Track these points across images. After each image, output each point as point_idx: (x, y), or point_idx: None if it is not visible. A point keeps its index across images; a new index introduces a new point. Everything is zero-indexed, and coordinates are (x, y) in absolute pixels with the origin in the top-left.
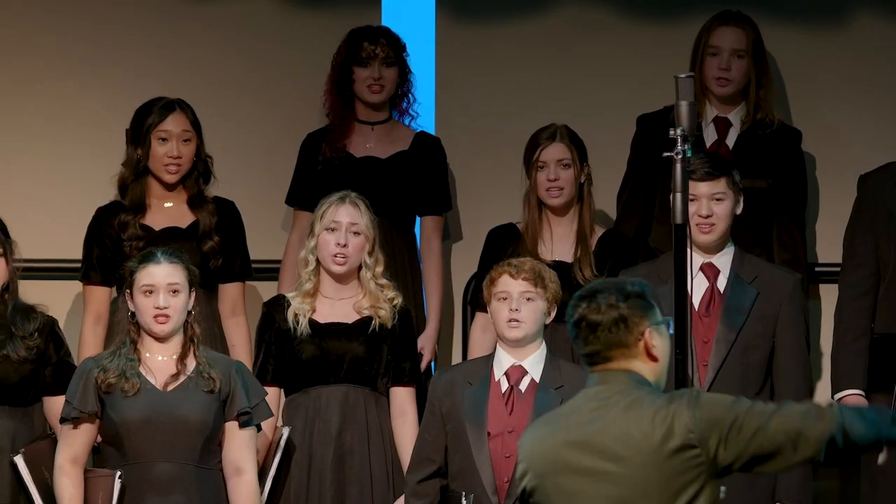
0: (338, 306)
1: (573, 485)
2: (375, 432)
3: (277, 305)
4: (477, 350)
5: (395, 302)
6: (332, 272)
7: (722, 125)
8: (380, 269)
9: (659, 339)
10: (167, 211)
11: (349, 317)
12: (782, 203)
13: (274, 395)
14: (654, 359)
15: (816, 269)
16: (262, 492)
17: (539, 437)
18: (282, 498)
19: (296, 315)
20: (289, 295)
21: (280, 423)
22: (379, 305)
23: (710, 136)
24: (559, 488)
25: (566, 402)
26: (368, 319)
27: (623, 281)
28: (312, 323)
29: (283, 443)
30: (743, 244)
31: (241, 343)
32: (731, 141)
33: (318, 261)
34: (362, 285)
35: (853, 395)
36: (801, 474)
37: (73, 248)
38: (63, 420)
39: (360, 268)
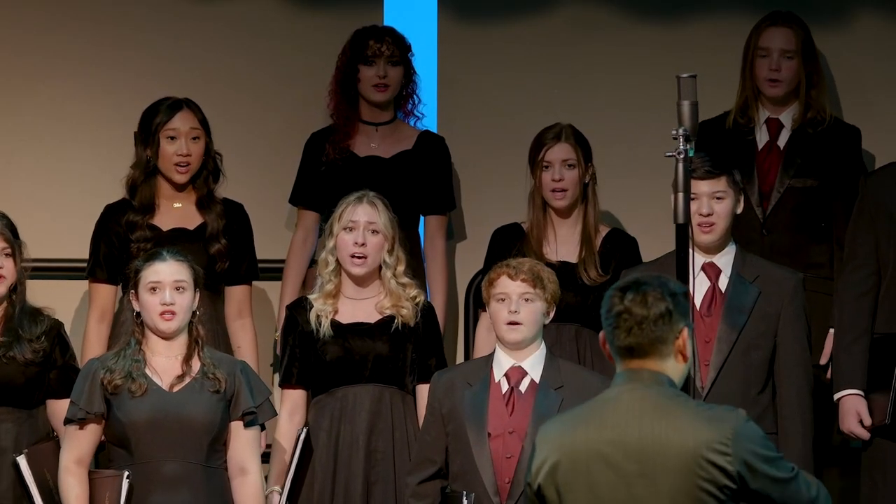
0: (360, 306)
1: (608, 484)
2: (401, 431)
3: (300, 308)
4: (482, 349)
5: (418, 300)
6: (352, 274)
7: (774, 126)
8: (401, 267)
9: (689, 341)
10: (176, 212)
11: (371, 316)
12: (841, 200)
13: (300, 398)
14: (684, 359)
15: None
16: (282, 491)
17: (569, 431)
18: (304, 497)
19: (318, 316)
20: (311, 296)
21: (305, 424)
22: (401, 304)
23: (762, 137)
24: (591, 486)
25: (584, 402)
26: (391, 319)
27: (665, 277)
28: (335, 324)
29: (301, 443)
30: (802, 245)
31: (246, 345)
32: (782, 141)
33: (338, 261)
34: (383, 285)
35: (853, 395)
36: None
37: (73, 248)
38: (68, 421)
39: (380, 267)
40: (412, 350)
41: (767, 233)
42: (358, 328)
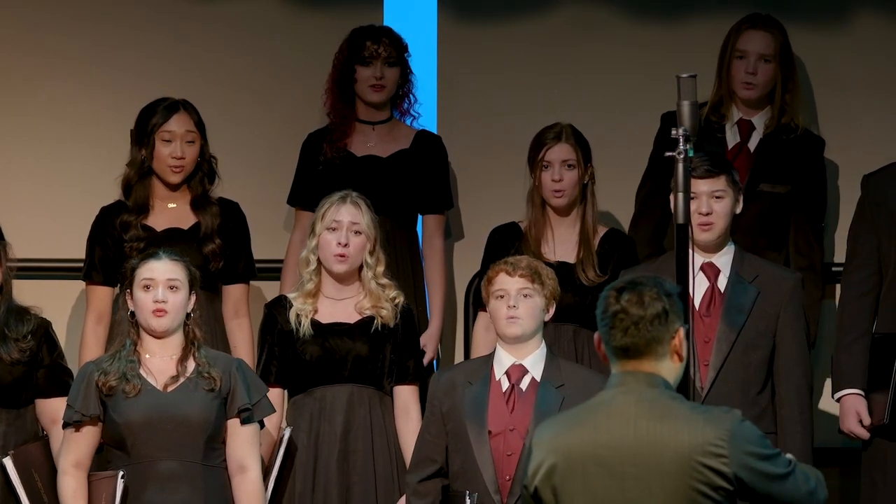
0: (340, 306)
1: (603, 486)
2: (379, 432)
3: (279, 306)
4: (480, 349)
5: (397, 301)
6: (334, 271)
7: (746, 128)
8: (381, 268)
9: (685, 341)
10: (170, 212)
11: (351, 317)
12: (801, 209)
13: (278, 397)
14: (680, 359)
15: (833, 269)
16: (266, 492)
17: (565, 433)
18: (286, 498)
19: (298, 316)
20: (290, 295)
21: (284, 424)
22: (381, 305)
23: (732, 137)
24: (587, 488)
25: (585, 401)
26: (370, 319)
27: (660, 277)
28: (315, 323)
29: (284, 442)
30: (759, 249)
31: (243, 344)
32: (753, 144)
33: (319, 261)
34: (363, 285)
35: (853, 395)
36: None
37: (73, 248)
38: (66, 425)
39: (361, 267)
40: (391, 351)
41: (731, 233)
42: (338, 328)
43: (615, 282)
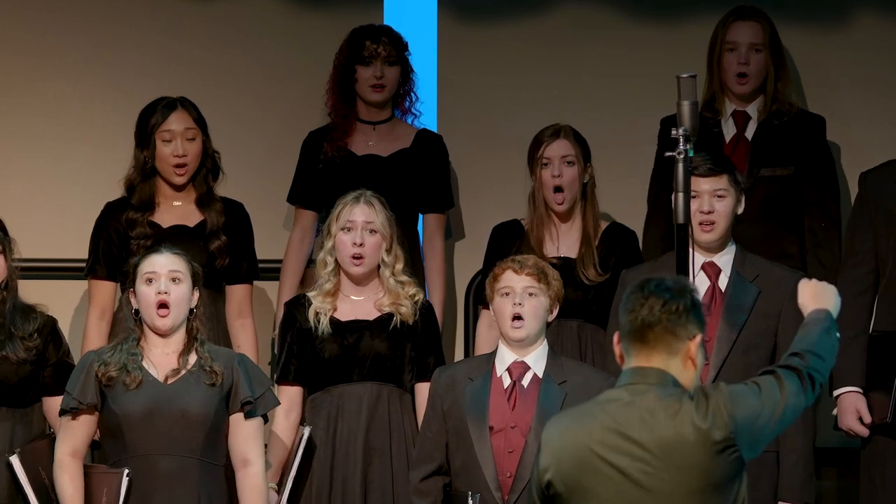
0: (359, 304)
1: (612, 484)
2: (398, 430)
3: (298, 305)
4: (483, 347)
5: (417, 298)
6: (351, 273)
7: (741, 118)
8: (399, 265)
9: (700, 351)
10: (176, 209)
11: (370, 314)
12: (810, 190)
13: (297, 395)
14: (693, 365)
15: None
16: (283, 490)
17: (576, 429)
18: (303, 496)
19: (317, 314)
20: (310, 294)
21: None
22: (400, 302)
23: (729, 130)
24: (596, 485)
25: (587, 398)
26: (390, 316)
27: (689, 284)
28: (334, 321)
29: (303, 442)
30: (768, 235)
31: (246, 345)
32: (750, 133)
33: (336, 261)
34: (382, 283)
35: (852, 393)
36: (803, 473)
37: (73, 248)
38: (63, 412)
39: (379, 265)
40: (411, 348)
41: (738, 223)
42: (357, 326)
43: (642, 278)
